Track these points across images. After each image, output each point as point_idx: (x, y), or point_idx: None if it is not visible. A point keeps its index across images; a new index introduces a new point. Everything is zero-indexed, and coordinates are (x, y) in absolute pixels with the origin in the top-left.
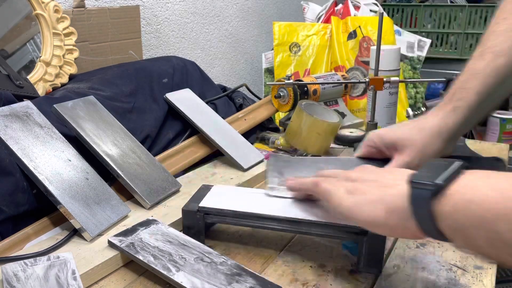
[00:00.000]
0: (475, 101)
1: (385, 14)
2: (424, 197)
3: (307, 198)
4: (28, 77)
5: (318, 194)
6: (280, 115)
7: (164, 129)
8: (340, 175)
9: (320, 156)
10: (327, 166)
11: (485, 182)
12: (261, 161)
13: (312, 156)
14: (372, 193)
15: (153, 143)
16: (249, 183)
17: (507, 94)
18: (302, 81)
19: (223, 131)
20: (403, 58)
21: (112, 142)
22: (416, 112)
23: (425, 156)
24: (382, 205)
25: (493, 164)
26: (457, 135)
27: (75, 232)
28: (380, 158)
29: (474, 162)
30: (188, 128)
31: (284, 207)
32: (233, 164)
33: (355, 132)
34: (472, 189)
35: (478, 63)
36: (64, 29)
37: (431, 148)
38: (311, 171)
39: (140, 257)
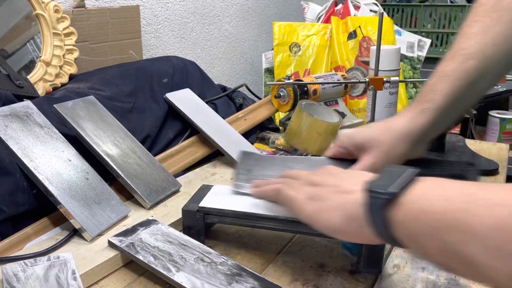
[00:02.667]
0: (444, 103)
1: (385, 14)
2: (379, 206)
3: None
4: (28, 77)
5: (281, 202)
6: (280, 115)
7: (164, 129)
8: (302, 176)
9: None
10: (297, 165)
11: (437, 192)
12: None
13: (282, 155)
14: (331, 200)
15: (153, 143)
16: None
17: (478, 97)
18: (302, 81)
19: (223, 131)
20: (403, 58)
21: (112, 142)
22: None
23: (391, 157)
24: (341, 212)
25: (465, 168)
26: (426, 137)
27: (75, 232)
28: (350, 159)
29: (446, 166)
30: (188, 128)
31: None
32: (233, 164)
33: None
34: (424, 199)
35: (448, 65)
36: (64, 29)
37: (397, 149)
38: (279, 169)
39: (140, 257)
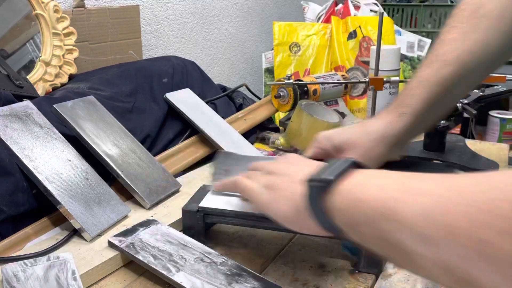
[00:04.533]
0: (421, 108)
1: (385, 14)
2: (316, 194)
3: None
4: (28, 77)
5: (240, 192)
6: (280, 115)
7: (164, 129)
8: (264, 167)
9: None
10: None
11: (373, 182)
12: None
13: (262, 155)
14: (284, 189)
15: (153, 143)
16: None
17: (455, 102)
18: (302, 81)
19: (223, 131)
20: (403, 58)
21: (112, 142)
22: None
23: (369, 159)
24: (291, 202)
25: (443, 170)
26: (403, 141)
27: (75, 232)
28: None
29: (424, 167)
30: (188, 128)
31: None
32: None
33: None
34: (361, 188)
35: (426, 71)
36: (64, 29)
37: (374, 151)
38: None
39: (140, 257)
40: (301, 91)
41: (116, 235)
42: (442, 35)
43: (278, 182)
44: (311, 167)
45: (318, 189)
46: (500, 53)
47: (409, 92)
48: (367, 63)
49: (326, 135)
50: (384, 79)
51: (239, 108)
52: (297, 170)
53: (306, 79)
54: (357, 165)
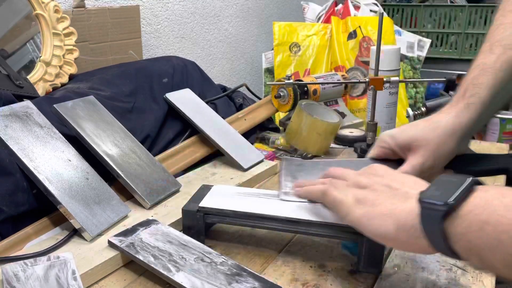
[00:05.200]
0: (488, 96)
1: (385, 14)
2: (435, 218)
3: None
4: (28, 77)
5: (327, 203)
6: (280, 115)
7: (164, 129)
8: (349, 177)
9: (330, 158)
10: None
11: (500, 201)
12: (261, 161)
13: (324, 159)
14: (382, 205)
15: (153, 143)
16: (249, 183)
17: None
18: (302, 81)
19: (223, 131)
20: (403, 58)
21: (112, 142)
22: (416, 112)
23: (439, 155)
24: (392, 219)
25: (509, 161)
26: (470, 133)
27: (75, 232)
28: (393, 159)
29: (490, 160)
30: (188, 128)
31: (284, 207)
32: (233, 164)
33: (355, 132)
34: (487, 210)
35: (488, 58)
36: (64, 29)
37: (445, 147)
38: None
39: (140, 257)
40: (301, 91)
41: (116, 235)
42: (498, 20)
43: (373, 196)
44: (408, 184)
45: (436, 212)
46: None
47: (473, 82)
48: (367, 63)
49: (389, 133)
50: (384, 79)
51: (239, 108)
52: (391, 183)
53: (306, 79)
54: (477, 183)
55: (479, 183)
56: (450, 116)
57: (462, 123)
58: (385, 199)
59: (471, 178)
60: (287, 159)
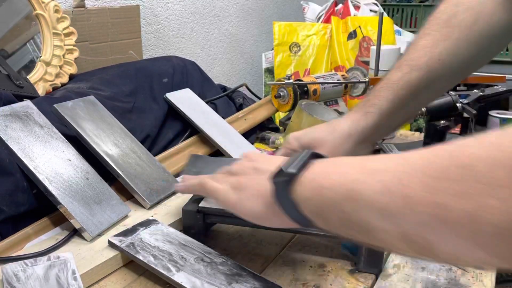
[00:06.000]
0: (387, 108)
1: (385, 14)
2: (282, 188)
3: None
4: (28, 77)
5: (207, 195)
6: (280, 115)
7: (164, 129)
8: (228, 169)
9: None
10: None
11: (334, 169)
12: None
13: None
14: (250, 187)
15: (153, 143)
16: None
17: (422, 106)
18: (302, 81)
19: (223, 131)
20: None
21: (112, 142)
22: None
23: (336, 156)
24: (260, 199)
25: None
26: (369, 139)
27: (75, 232)
28: None
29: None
30: (188, 128)
31: None
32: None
33: None
34: (323, 175)
35: (394, 74)
36: (64, 29)
37: (341, 149)
38: None
39: (140, 257)
40: (301, 91)
41: (116, 235)
42: (414, 41)
43: (243, 181)
44: (272, 163)
45: (283, 183)
46: (469, 62)
47: (377, 93)
48: (367, 63)
49: (295, 135)
50: None
51: (239, 108)
52: (260, 167)
53: (306, 79)
54: (317, 156)
55: (321, 156)
56: (348, 121)
57: (358, 129)
58: (253, 181)
59: (311, 151)
60: (195, 155)
